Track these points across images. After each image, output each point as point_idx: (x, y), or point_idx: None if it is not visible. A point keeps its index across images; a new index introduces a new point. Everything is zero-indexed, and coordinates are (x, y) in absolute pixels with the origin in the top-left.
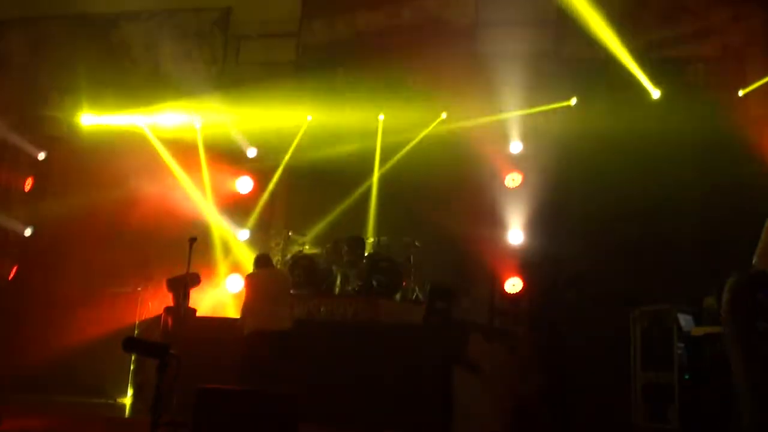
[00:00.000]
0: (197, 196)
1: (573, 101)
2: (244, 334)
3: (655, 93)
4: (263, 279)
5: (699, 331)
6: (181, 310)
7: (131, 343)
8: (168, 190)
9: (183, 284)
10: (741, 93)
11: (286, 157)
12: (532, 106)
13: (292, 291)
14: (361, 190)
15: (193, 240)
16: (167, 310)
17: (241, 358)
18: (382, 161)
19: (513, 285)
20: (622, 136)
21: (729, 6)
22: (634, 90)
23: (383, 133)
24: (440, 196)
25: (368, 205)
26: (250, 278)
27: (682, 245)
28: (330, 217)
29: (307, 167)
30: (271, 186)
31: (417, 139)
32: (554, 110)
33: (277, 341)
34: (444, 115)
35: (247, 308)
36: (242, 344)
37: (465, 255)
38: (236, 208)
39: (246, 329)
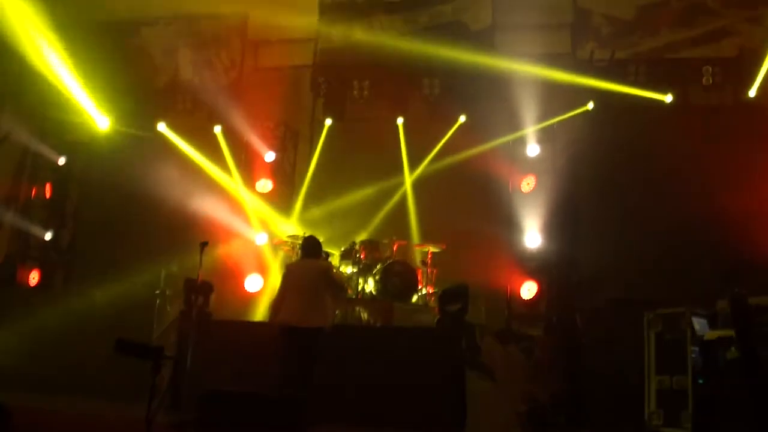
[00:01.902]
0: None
1: (590, 105)
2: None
3: (668, 97)
4: (294, 271)
5: (713, 335)
6: (193, 313)
7: (123, 344)
8: (187, 194)
9: (195, 289)
10: (753, 92)
11: (313, 163)
12: (549, 109)
13: None
14: (373, 190)
15: (204, 245)
16: (182, 313)
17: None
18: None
19: (528, 289)
20: (636, 139)
21: (747, 7)
22: (649, 92)
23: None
24: (456, 199)
25: (384, 208)
26: (285, 269)
27: (696, 248)
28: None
29: (327, 170)
30: (303, 189)
31: (439, 145)
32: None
33: (304, 337)
34: (462, 118)
35: (278, 302)
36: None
37: (481, 258)
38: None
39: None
